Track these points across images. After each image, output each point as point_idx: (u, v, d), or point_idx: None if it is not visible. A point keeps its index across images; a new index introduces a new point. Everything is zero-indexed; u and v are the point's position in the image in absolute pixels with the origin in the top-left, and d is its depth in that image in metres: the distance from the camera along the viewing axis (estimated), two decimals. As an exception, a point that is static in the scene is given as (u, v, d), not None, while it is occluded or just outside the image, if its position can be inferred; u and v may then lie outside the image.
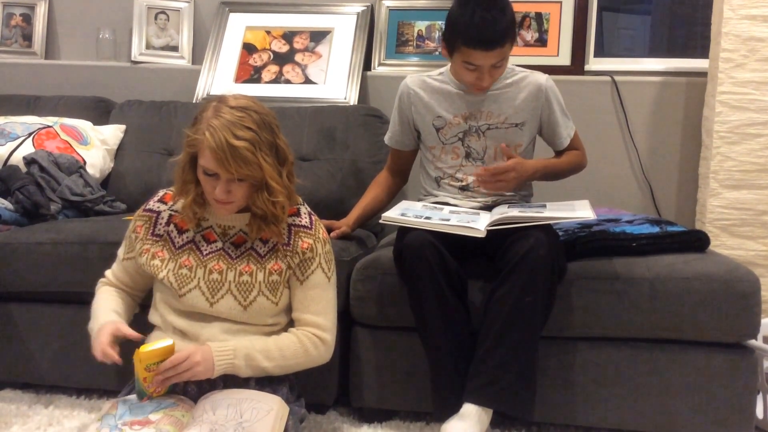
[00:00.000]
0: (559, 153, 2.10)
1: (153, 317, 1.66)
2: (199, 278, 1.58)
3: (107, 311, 1.60)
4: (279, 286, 1.60)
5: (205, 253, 1.60)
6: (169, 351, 1.46)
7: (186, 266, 1.59)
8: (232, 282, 1.58)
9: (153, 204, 1.66)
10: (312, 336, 1.60)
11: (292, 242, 1.60)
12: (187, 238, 1.62)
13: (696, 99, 2.59)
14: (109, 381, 1.97)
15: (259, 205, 1.52)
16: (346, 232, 2.04)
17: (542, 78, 1.99)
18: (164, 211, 1.64)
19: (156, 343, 1.46)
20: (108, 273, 1.71)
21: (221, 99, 1.51)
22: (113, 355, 1.48)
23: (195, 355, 1.47)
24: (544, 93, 1.97)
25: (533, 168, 1.95)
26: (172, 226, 1.63)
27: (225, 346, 1.52)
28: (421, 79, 2.03)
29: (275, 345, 1.56)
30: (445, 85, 1.99)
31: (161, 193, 1.68)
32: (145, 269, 1.62)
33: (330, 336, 1.63)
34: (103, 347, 1.48)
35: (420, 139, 2.07)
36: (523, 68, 2.01)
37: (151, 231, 1.63)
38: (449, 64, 1.98)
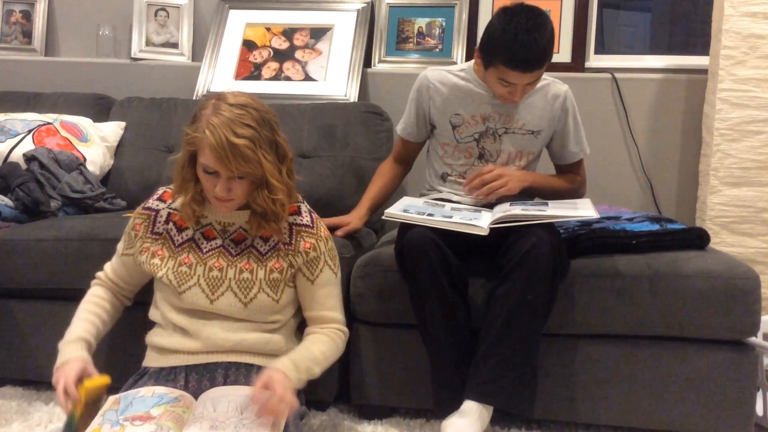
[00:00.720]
0: (560, 169, 2.09)
1: (153, 315, 1.66)
2: (198, 275, 1.58)
3: (77, 341, 1.57)
4: (280, 284, 1.60)
5: (204, 250, 1.60)
6: (106, 385, 1.48)
7: (185, 264, 1.59)
8: (232, 279, 1.58)
9: (152, 202, 1.65)
10: (338, 332, 1.66)
11: (294, 242, 1.60)
12: (186, 236, 1.61)
13: (696, 96, 2.59)
14: (111, 379, 1.97)
15: (259, 202, 1.52)
16: (356, 228, 2.02)
17: (563, 88, 1.99)
18: (163, 209, 1.64)
19: (96, 379, 1.48)
20: (107, 266, 1.72)
21: (220, 96, 1.50)
22: (75, 395, 1.44)
23: (275, 388, 1.41)
24: (562, 103, 1.98)
25: (521, 173, 1.94)
26: (171, 224, 1.62)
27: (289, 365, 1.49)
28: (443, 73, 2.01)
29: (321, 353, 1.59)
30: (467, 83, 1.98)
31: (160, 191, 1.68)
32: (144, 268, 1.63)
33: (346, 326, 1.70)
34: (68, 385, 1.45)
35: (433, 133, 2.06)
36: (545, 76, 1.99)
37: (150, 229, 1.63)
38: (472, 62, 1.98)
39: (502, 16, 1.82)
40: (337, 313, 1.68)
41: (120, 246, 1.70)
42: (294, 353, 1.56)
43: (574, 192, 2.06)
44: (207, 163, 1.47)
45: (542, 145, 2.02)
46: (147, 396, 1.48)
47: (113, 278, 1.70)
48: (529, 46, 1.76)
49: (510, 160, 1.98)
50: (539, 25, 1.78)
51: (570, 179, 2.07)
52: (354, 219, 2.03)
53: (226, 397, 1.47)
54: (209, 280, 1.58)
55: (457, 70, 2.01)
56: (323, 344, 1.61)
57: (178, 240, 1.61)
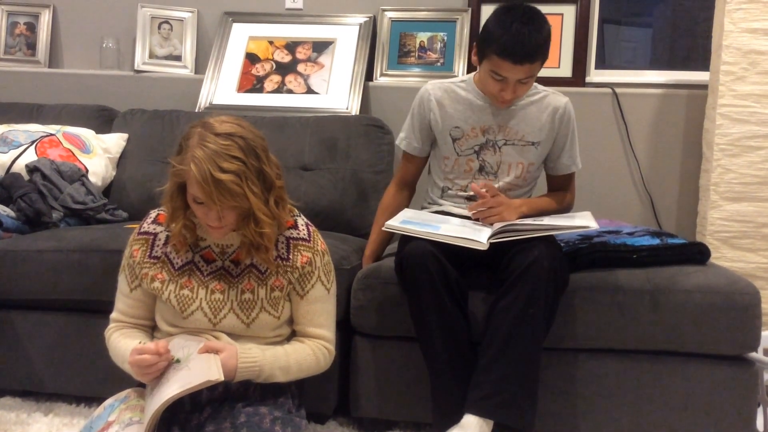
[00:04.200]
0: (551, 181, 2.09)
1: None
2: (201, 299, 1.56)
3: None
4: (280, 301, 1.59)
5: (206, 273, 1.58)
6: None
7: (187, 287, 1.57)
8: (234, 301, 1.57)
9: (148, 226, 1.62)
10: (323, 348, 1.62)
11: (291, 257, 1.59)
12: (186, 258, 1.59)
13: (697, 111, 2.60)
14: (109, 389, 1.96)
15: (246, 234, 1.51)
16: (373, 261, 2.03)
17: (563, 100, 1.98)
18: (161, 232, 1.61)
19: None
20: (114, 317, 1.63)
21: (206, 125, 1.47)
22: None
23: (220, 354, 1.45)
24: (562, 115, 1.97)
25: (517, 202, 1.93)
26: (170, 248, 1.59)
27: (252, 359, 1.49)
28: (444, 86, 2.01)
29: (296, 361, 1.57)
30: (468, 94, 1.98)
31: (153, 213, 1.64)
32: (149, 292, 1.60)
33: (333, 346, 1.65)
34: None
35: (434, 148, 2.06)
36: (545, 87, 2.00)
37: (148, 253, 1.59)
38: (473, 74, 1.99)
39: (500, 10, 1.85)
40: (325, 331, 1.63)
41: (123, 287, 1.62)
42: (269, 353, 1.53)
43: (562, 212, 2.04)
44: (196, 194, 1.45)
45: (542, 156, 2.01)
46: (101, 412, 1.51)
47: (128, 320, 1.62)
48: (522, 36, 1.77)
49: (510, 171, 1.98)
50: (535, 20, 1.80)
51: (559, 199, 2.05)
52: (366, 258, 2.04)
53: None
54: (211, 303, 1.56)
55: (458, 82, 2.01)
56: (302, 355, 1.58)
57: (177, 263, 1.59)
